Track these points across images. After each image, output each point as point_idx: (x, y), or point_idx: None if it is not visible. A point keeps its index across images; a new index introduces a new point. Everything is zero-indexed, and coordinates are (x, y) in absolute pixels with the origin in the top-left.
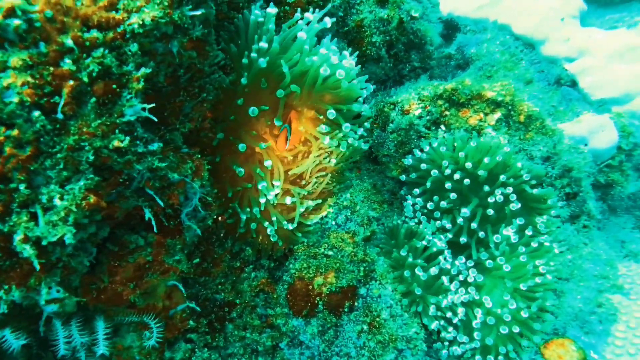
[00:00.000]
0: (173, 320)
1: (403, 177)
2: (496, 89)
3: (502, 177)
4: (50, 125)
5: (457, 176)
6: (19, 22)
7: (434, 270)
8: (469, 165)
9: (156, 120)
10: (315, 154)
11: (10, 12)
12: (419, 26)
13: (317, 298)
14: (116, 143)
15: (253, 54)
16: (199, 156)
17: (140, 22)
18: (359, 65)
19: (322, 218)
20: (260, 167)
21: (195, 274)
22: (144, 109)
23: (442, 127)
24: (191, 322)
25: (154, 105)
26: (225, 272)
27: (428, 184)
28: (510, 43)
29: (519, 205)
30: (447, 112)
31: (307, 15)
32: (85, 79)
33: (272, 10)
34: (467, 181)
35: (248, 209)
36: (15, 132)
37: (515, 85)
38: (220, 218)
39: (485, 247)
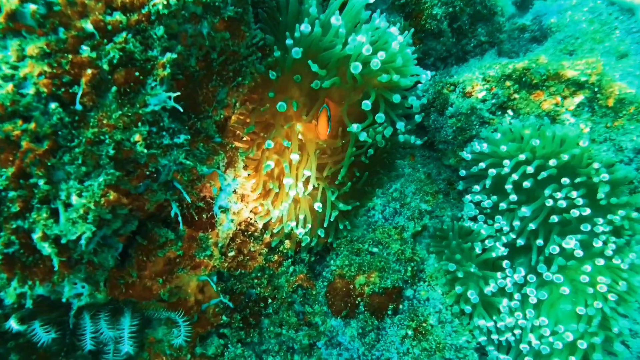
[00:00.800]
0: (205, 315)
1: (462, 172)
2: (579, 67)
3: (566, 181)
4: (69, 118)
5: (524, 170)
6: (36, 7)
7: (491, 288)
8: (538, 159)
9: (182, 110)
10: (350, 152)
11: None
12: None
13: (359, 298)
14: (137, 137)
15: (289, 41)
16: (233, 146)
17: (165, 2)
18: (412, 48)
19: (368, 210)
20: (287, 160)
21: (230, 267)
22: (169, 98)
23: (510, 112)
24: (224, 318)
25: (180, 93)
26: (262, 265)
27: (487, 183)
28: (602, 9)
29: (588, 211)
30: (516, 95)
31: None
32: (106, 67)
33: None
34: (527, 184)
35: (280, 208)
36: (32, 126)
37: (605, 61)
38: (254, 211)
39: (549, 255)
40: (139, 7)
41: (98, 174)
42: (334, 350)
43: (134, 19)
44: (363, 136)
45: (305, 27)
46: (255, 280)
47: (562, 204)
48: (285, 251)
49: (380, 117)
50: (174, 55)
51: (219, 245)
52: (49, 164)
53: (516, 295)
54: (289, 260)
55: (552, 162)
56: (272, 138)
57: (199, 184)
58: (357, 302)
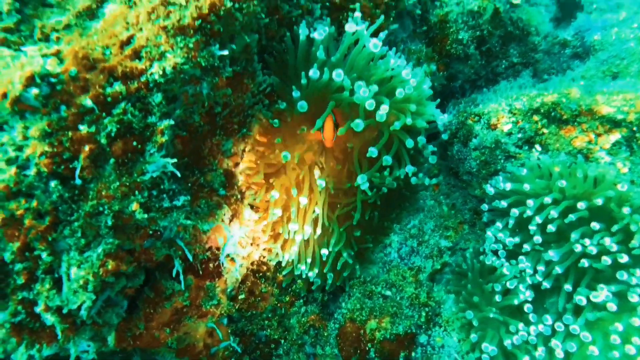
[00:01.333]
0: (215, 358)
1: (485, 207)
2: (615, 103)
3: (595, 226)
4: (68, 193)
5: (549, 213)
6: (38, 90)
7: (513, 341)
8: (568, 199)
9: (179, 175)
10: (360, 197)
11: (30, 81)
12: (520, 14)
13: (369, 344)
14: (134, 206)
15: (295, 93)
16: (239, 196)
17: (161, 72)
18: (429, 84)
19: (385, 247)
20: (295, 203)
21: (242, 309)
22: (172, 163)
23: (537, 147)
24: None
25: (184, 149)
26: (274, 306)
27: (510, 222)
28: None
29: (626, 258)
30: (544, 130)
31: (349, 27)
32: (103, 141)
33: (320, 35)
34: (552, 228)
35: (289, 252)
36: (34, 204)
37: None
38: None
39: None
40: (138, 75)
41: (98, 243)
42: None
43: (133, 87)
44: (365, 186)
45: (313, 73)
46: (266, 322)
47: (593, 250)
48: (297, 290)
49: (387, 159)
50: (172, 122)
51: (229, 289)
52: (50, 238)
53: (540, 349)
54: (301, 300)
55: (581, 205)
56: (278, 187)
57: (204, 236)
58: (367, 349)
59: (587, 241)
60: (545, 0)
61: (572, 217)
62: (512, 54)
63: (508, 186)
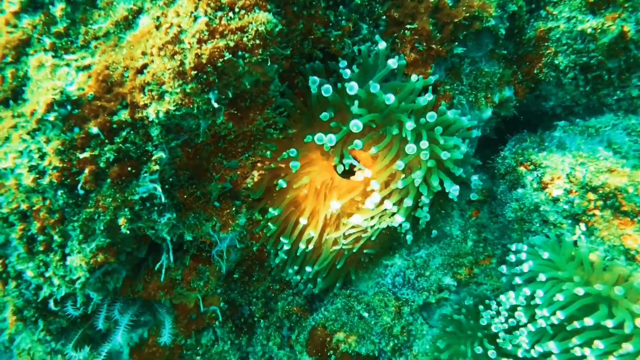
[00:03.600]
0: (203, 316)
1: (502, 269)
2: None
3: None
4: (72, 200)
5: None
6: (55, 115)
7: None
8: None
9: (164, 201)
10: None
11: (50, 108)
12: None
13: (332, 352)
14: (122, 221)
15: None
16: (238, 204)
17: (154, 115)
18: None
19: (386, 267)
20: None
21: (235, 284)
22: (165, 183)
23: (582, 226)
24: (217, 323)
25: (189, 163)
26: (265, 288)
27: (520, 298)
28: None
29: None
30: (596, 212)
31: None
32: (102, 165)
33: (327, 93)
34: (561, 315)
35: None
36: (47, 203)
37: None
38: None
39: None
40: (142, 107)
41: (93, 239)
42: None
43: (137, 116)
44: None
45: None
46: (254, 300)
47: None
48: (289, 281)
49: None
50: (164, 156)
51: (222, 270)
52: (58, 228)
53: None
54: (291, 290)
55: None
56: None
57: (199, 234)
58: (328, 354)
59: (586, 350)
60: None
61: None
62: (633, 84)
63: (525, 268)
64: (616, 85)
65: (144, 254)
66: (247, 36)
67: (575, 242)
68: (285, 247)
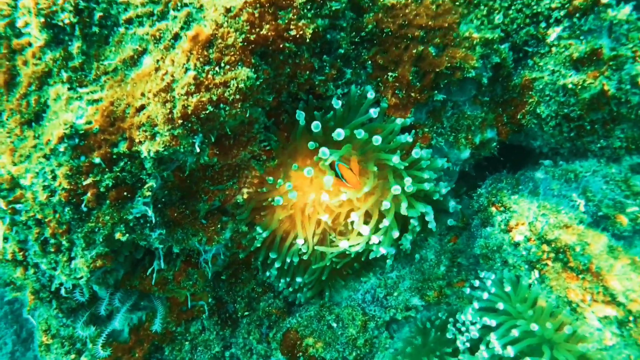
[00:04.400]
0: (192, 309)
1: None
2: (625, 283)
3: None
4: (77, 215)
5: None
6: (65, 146)
7: None
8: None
9: (154, 221)
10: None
11: (61, 140)
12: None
13: (300, 354)
14: (118, 235)
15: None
16: (224, 220)
17: (146, 153)
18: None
19: (360, 282)
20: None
21: (224, 286)
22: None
23: (536, 273)
24: (204, 316)
25: (180, 184)
26: (250, 289)
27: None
28: None
29: None
30: (549, 263)
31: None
32: (102, 190)
33: (316, 129)
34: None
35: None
36: (57, 216)
37: None
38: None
39: None
40: (138, 143)
41: (94, 247)
42: None
43: (134, 149)
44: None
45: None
46: (239, 299)
47: None
48: (273, 285)
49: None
50: (154, 184)
51: (204, 279)
52: (65, 237)
53: None
54: (272, 294)
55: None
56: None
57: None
58: (298, 355)
59: None
60: None
61: None
62: (616, 135)
63: (485, 296)
64: (600, 134)
65: (141, 256)
66: (228, 91)
67: (529, 285)
68: (277, 265)
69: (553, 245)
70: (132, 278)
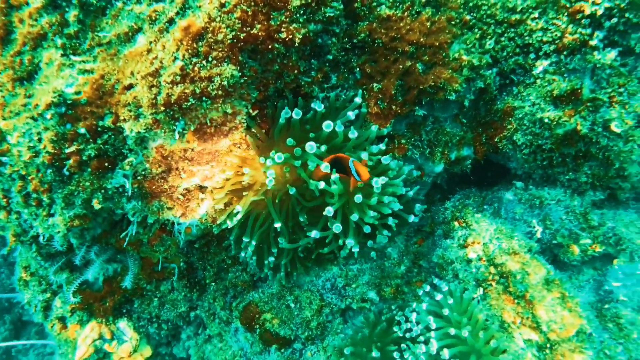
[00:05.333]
0: (163, 271)
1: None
2: (551, 314)
3: None
4: (59, 177)
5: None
6: (52, 113)
7: None
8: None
9: (129, 193)
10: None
11: (48, 107)
12: (613, 143)
13: (257, 325)
14: (95, 202)
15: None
16: (201, 198)
17: (128, 132)
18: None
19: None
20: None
21: (196, 253)
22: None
23: (481, 290)
24: (175, 278)
25: (157, 165)
26: (219, 261)
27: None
28: None
29: None
30: (493, 284)
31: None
32: (84, 158)
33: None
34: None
35: None
36: (40, 175)
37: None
38: None
39: None
40: (123, 120)
41: (72, 208)
42: (233, 337)
43: (119, 125)
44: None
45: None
46: (208, 267)
47: None
48: (241, 260)
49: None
50: (134, 160)
51: (181, 242)
52: (47, 195)
53: None
54: (241, 267)
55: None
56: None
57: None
58: (255, 327)
59: None
60: None
61: None
62: (583, 171)
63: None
64: (570, 167)
65: (119, 218)
66: (212, 86)
67: (472, 299)
68: (250, 249)
69: (499, 269)
70: (109, 236)
